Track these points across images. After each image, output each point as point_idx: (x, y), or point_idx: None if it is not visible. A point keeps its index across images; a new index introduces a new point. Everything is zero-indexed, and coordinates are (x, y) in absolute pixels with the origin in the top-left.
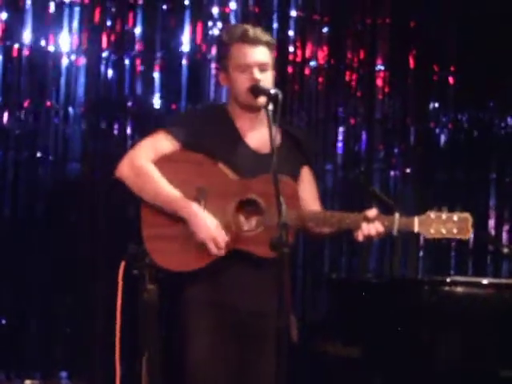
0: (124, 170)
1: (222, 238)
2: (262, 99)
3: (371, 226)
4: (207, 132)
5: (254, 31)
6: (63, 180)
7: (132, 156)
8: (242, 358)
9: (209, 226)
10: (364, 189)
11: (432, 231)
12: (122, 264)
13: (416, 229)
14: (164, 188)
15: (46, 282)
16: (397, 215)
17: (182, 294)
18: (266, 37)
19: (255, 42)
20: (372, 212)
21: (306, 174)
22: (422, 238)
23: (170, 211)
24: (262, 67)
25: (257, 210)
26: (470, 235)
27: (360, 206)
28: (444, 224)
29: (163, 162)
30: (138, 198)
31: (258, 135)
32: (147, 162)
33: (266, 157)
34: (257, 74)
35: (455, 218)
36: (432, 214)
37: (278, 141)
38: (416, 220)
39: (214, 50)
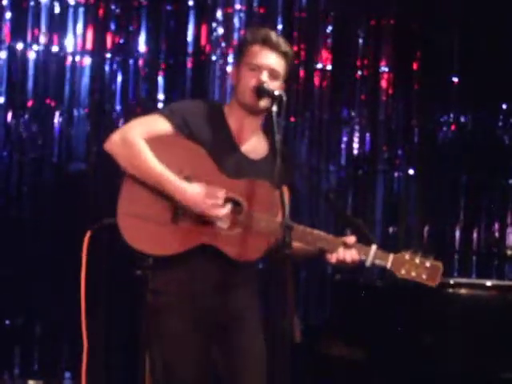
0: (115, 143)
1: (217, 192)
2: (265, 101)
3: (347, 253)
4: (200, 125)
5: (276, 38)
6: (67, 181)
7: (124, 130)
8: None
9: (202, 196)
10: (346, 219)
11: (403, 272)
12: (88, 234)
13: (389, 265)
14: (153, 162)
15: (49, 282)
16: (373, 247)
17: (152, 284)
18: (286, 47)
19: (274, 47)
20: (351, 239)
21: (284, 193)
22: (425, 239)
23: (156, 185)
24: (273, 74)
25: (236, 210)
26: (437, 284)
27: (363, 205)
28: (416, 268)
29: (154, 142)
30: (124, 172)
31: (251, 140)
32: (139, 137)
33: (253, 162)
34: (265, 76)
35: (427, 264)
36: (407, 255)
37: (265, 149)
38: (391, 257)
39: (218, 51)
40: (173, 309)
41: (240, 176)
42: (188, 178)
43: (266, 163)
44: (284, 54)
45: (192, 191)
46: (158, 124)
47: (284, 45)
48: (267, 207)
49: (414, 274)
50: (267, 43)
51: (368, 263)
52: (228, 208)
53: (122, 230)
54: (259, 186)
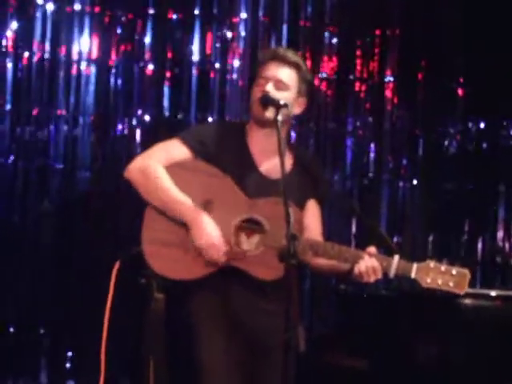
0: (133, 170)
1: (222, 246)
2: (271, 111)
3: (369, 262)
4: (219, 148)
5: (284, 51)
6: (72, 188)
7: (143, 158)
8: (250, 369)
9: (210, 233)
10: (370, 231)
11: (428, 280)
12: (117, 264)
13: (413, 275)
14: (172, 191)
15: (53, 289)
16: (396, 258)
17: (186, 302)
18: (294, 58)
19: (282, 60)
20: (371, 249)
21: (312, 207)
22: (429, 250)
23: (174, 215)
24: (280, 85)
25: (259, 230)
26: (465, 291)
27: (368, 215)
28: (442, 276)
29: (174, 168)
30: (145, 201)
31: (271, 161)
32: (157, 165)
33: (274, 182)
34: (270, 86)
35: (454, 271)
36: (431, 264)
37: (288, 166)
38: (415, 266)
39: (223, 60)
40: (211, 324)
41: (259, 196)
42: (208, 202)
43: (287, 181)
44: (292, 65)
45: (198, 228)
46: (177, 150)
47: (292, 56)
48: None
49: (440, 281)
50: (274, 57)
51: (392, 274)
52: (222, 253)
53: (147, 258)
54: (278, 203)
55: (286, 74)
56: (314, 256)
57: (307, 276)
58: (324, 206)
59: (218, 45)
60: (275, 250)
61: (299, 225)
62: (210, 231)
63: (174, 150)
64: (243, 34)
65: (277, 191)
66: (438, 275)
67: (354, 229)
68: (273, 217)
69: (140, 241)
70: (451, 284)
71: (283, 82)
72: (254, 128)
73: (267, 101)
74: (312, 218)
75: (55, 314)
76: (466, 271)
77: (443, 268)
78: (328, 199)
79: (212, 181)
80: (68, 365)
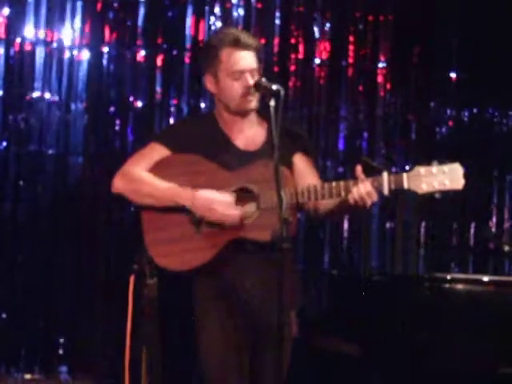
0: (118, 181)
1: (232, 203)
2: (256, 102)
3: (361, 188)
4: (196, 138)
5: (245, 36)
6: (65, 174)
7: (123, 168)
8: (253, 347)
9: (214, 198)
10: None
11: (424, 186)
12: (132, 278)
13: (406, 185)
14: (160, 184)
15: (46, 276)
16: (385, 174)
17: (191, 287)
18: (255, 42)
19: (246, 47)
20: (359, 173)
21: (299, 162)
22: (422, 235)
23: (170, 203)
24: (253, 73)
25: (251, 196)
26: (462, 185)
27: None
28: (435, 177)
29: (157, 167)
30: (138, 207)
31: (246, 135)
32: (139, 170)
33: (253, 154)
34: (250, 79)
35: (445, 169)
36: (421, 169)
37: (263, 137)
38: (405, 176)
39: None
40: (214, 309)
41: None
42: (196, 186)
43: (265, 151)
44: (255, 50)
45: (203, 200)
46: (155, 152)
47: (252, 40)
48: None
49: (436, 184)
50: (238, 45)
51: (385, 191)
52: (240, 209)
53: (157, 260)
54: (260, 166)
55: (254, 61)
56: (311, 202)
57: (299, 261)
58: (311, 157)
59: (211, 30)
60: (270, 212)
61: (288, 179)
62: (213, 197)
63: (152, 153)
64: (236, 19)
65: (255, 161)
66: (432, 178)
67: None
68: (261, 180)
69: (145, 247)
70: (447, 182)
71: (254, 68)
72: (224, 114)
73: (261, 87)
74: (303, 171)
75: (48, 301)
76: (457, 164)
77: (434, 169)
78: (312, 150)
79: (194, 168)
80: (61, 351)
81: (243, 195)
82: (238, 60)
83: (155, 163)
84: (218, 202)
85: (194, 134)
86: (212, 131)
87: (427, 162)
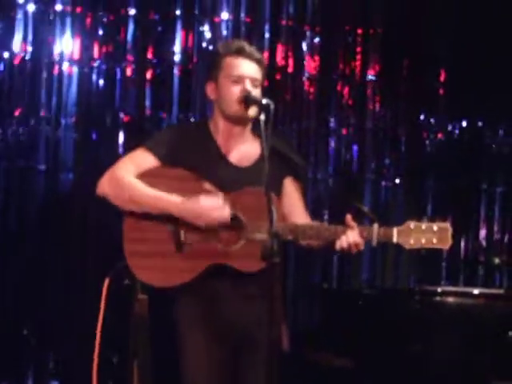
0: (104, 184)
1: (222, 203)
2: (253, 110)
3: (350, 238)
4: (186, 148)
5: (249, 47)
6: (55, 190)
7: (112, 171)
8: (236, 367)
9: (204, 203)
10: (349, 203)
11: (412, 241)
12: (106, 281)
13: (395, 239)
14: (147, 191)
15: (37, 290)
16: (375, 226)
17: (174, 306)
18: (259, 55)
19: (249, 57)
20: (349, 221)
21: (288, 186)
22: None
23: (153, 209)
24: (254, 83)
25: (237, 224)
26: (449, 245)
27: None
28: (424, 234)
29: (144, 177)
30: (122, 212)
31: (240, 149)
32: (128, 174)
33: (246, 170)
34: (248, 86)
35: (435, 227)
36: (411, 224)
37: (257, 153)
38: (395, 230)
39: (205, 61)
40: (197, 326)
41: (236, 187)
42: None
43: (258, 168)
44: (259, 62)
45: (191, 205)
46: (144, 159)
47: (257, 53)
48: (264, 214)
49: (423, 240)
50: (241, 53)
51: (374, 242)
52: (228, 209)
53: (133, 271)
54: (252, 194)
55: (257, 71)
56: (296, 240)
57: (290, 274)
58: (301, 184)
59: (199, 45)
60: (256, 243)
61: (276, 209)
62: (202, 203)
63: (141, 159)
64: (225, 33)
65: (247, 178)
66: (420, 234)
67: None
68: (250, 208)
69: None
70: (435, 241)
71: (256, 78)
72: (220, 122)
73: (250, 101)
74: (290, 198)
75: (39, 315)
76: (447, 225)
77: (424, 226)
78: (304, 174)
79: (183, 185)
80: (51, 365)
81: (231, 223)
82: (239, 65)
83: (143, 173)
84: (207, 207)
85: (187, 144)
86: (205, 142)
87: (418, 216)
